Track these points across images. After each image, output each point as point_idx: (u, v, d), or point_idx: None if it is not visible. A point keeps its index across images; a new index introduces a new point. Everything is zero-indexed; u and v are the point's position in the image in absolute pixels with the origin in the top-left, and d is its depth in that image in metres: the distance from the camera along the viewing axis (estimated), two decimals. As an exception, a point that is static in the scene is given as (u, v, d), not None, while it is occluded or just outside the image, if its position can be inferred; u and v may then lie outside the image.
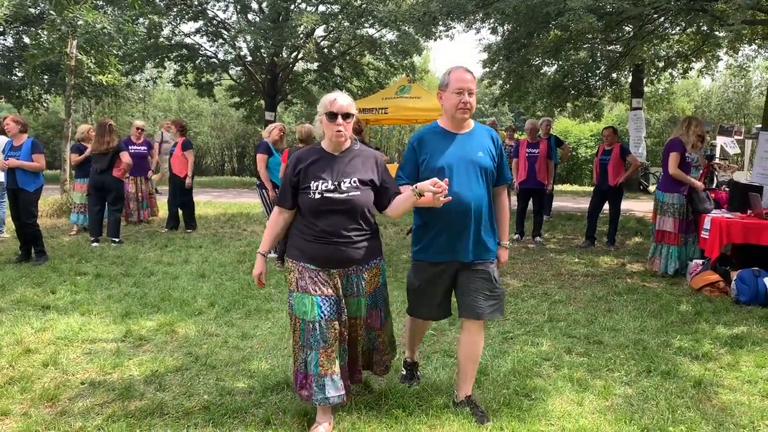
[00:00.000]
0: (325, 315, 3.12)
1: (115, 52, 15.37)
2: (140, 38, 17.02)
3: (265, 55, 19.32)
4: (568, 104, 16.78)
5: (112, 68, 14.55)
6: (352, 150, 3.27)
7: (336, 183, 3.12)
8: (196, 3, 18.27)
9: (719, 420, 3.55)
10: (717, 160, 15.92)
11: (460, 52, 45.05)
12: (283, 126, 8.23)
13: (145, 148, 10.57)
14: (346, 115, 3.15)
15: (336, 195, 3.10)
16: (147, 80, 22.24)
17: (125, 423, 3.34)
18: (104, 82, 15.25)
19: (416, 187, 3.01)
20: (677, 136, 7.38)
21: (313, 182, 3.12)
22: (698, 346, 4.83)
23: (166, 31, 18.71)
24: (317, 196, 3.10)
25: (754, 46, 15.00)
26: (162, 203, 11.85)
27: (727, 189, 9.20)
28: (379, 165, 3.30)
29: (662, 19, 10.82)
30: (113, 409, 3.53)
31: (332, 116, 3.13)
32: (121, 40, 14.28)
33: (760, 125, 11.00)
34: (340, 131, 3.13)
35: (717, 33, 10.45)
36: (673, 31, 12.12)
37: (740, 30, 9.78)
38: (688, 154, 7.28)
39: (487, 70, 14.14)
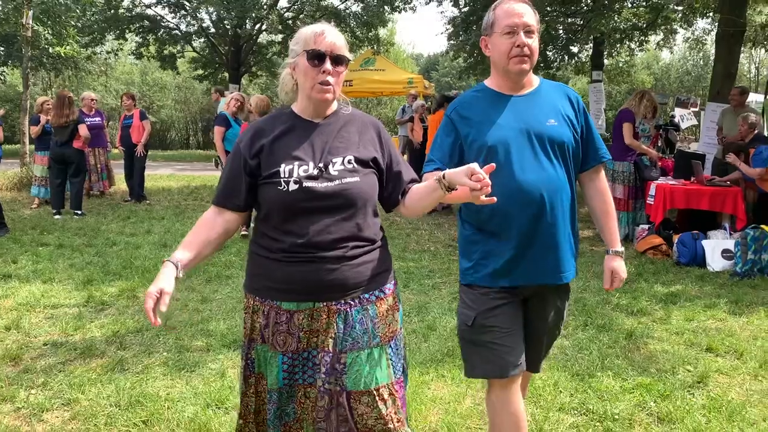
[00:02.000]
0: (292, 380, 2.03)
1: (72, 23, 15.12)
2: (99, 9, 16.72)
3: (228, 27, 19.13)
4: (531, 77, 17.06)
5: (70, 40, 14.33)
6: (340, 115, 2.09)
7: (321, 165, 1.97)
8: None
9: (644, 366, 3.85)
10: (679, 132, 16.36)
11: (427, 24, 44.66)
12: (241, 96, 8.19)
13: (99, 119, 10.52)
14: (338, 60, 1.97)
15: (322, 184, 1.94)
16: (108, 52, 21.86)
17: (86, 378, 3.51)
18: (63, 54, 15.01)
19: (444, 176, 1.91)
20: (627, 107, 7.66)
21: (283, 165, 1.94)
22: (635, 303, 5.14)
23: (126, 2, 18.40)
24: (293, 186, 1.92)
25: (708, 20, 15.41)
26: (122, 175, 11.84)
27: (673, 157, 9.57)
28: (383, 138, 2.14)
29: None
30: (75, 366, 3.69)
31: (317, 58, 1.93)
32: (78, 10, 14.05)
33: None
34: (327, 84, 1.95)
35: (666, 6, 10.75)
36: (627, 4, 12.40)
37: (680, 2, 10.07)
38: (639, 124, 7.57)
39: (452, 42, 14.30)
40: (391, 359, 2.04)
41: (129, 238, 7.43)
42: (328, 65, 1.93)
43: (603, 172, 2.45)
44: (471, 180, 1.80)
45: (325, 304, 1.97)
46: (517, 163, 2.21)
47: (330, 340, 1.98)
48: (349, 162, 2.00)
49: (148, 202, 10.17)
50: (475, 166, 1.83)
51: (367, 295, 2.03)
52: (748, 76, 29.10)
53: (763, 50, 19.66)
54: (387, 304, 2.07)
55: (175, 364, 3.73)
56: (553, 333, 2.48)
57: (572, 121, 2.31)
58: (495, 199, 1.86)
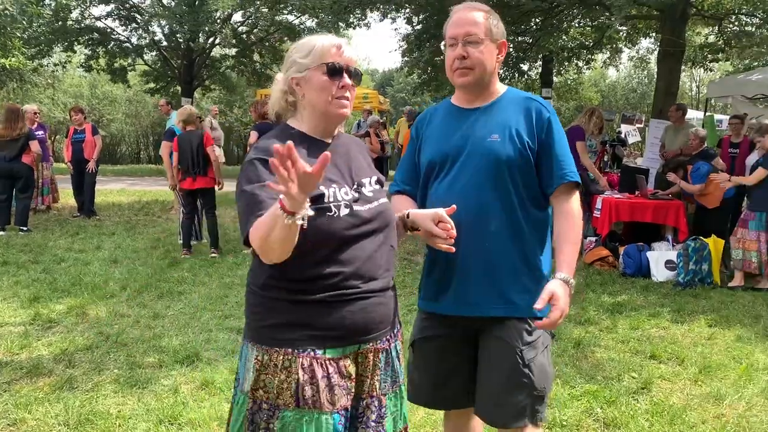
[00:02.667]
0: None
1: (18, 34, 14.75)
2: (46, 21, 16.37)
3: (181, 40, 18.99)
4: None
5: (16, 51, 13.98)
6: (341, 135, 1.92)
7: (356, 187, 1.80)
8: (106, -15, 17.73)
9: (591, 374, 3.98)
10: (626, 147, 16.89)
11: (382, 40, 45.01)
12: (186, 108, 8.01)
13: (42, 132, 10.24)
14: (356, 74, 1.81)
15: (364, 206, 1.77)
16: (55, 65, 21.37)
17: (33, 397, 3.43)
18: (8, 66, 14.61)
19: (408, 215, 1.94)
20: (578, 125, 7.87)
21: (324, 189, 1.68)
22: (583, 312, 5.30)
23: (74, 14, 18.09)
24: (344, 211, 1.70)
25: (651, 39, 16.04)
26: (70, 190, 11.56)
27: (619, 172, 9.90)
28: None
29: (563, 12, 11.45)
30: (21, 386, 3.60)
31: (337, 72, 1.76)
32: (25, 22, 13.73)
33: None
34: (347, 99, 1.79)
35: (610, 26, 11.18)
36: (575, 24, 12.82)
37: (624, 23, 10.49)
38: (587, 140, 7.81)
39: (406, 59, 14.48)
40: (404, 396, 1.92)
41: (78, 254, 7.26)
42: (347, 79, 1.77)
43: (574, 194, 2.09)
44: (438, 227, 1.85)
45: (371, 344, 1.77)
46: (447, 181, 2.09)
47: (375, 382, 1.79)
48: (376, 182, 1.87)
49: (97, 217, 9.95)
50: (442, 213, 1.85)
51: (398, 327, 1.89)
52: (690, 93, 30.26)
53: (702, 70, 20.56)
54: (401, 340, 1.94)
55: (127, 381, 3.67)
56: (512, 383, 2.02)
57: (522, 137, 2.04)
58: (454, 249, 1.86)
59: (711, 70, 21.05)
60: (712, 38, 15.24)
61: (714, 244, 6.45)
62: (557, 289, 1.91)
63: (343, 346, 1.72)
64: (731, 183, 6.80)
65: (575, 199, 2.09)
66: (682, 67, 12.65)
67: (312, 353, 1.67)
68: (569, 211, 2.06)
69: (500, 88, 2.17)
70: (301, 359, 1.66)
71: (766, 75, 9.27)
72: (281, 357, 1.67)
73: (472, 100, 2.15)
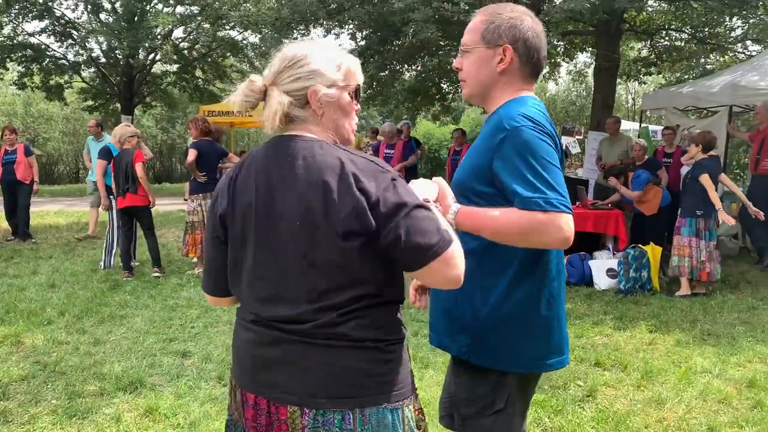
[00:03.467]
0: None
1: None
2: (-24, 37, 15.77)
3: (119, 57, 18.57)
4: (430, 108, 17.60)
5: (-57, 69, 13.41)
6: None
7: None
8: (40, 1, 17.19)
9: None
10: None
11: (325, 56, 44.51)
12: (125, 127, 7.79)
13: None
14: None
15: None
16: (-13, 82, 20.62)
17: (-36, 434, 3.26)
18: (-65, 84, 14.00)
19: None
20: None
21: None
22: (530, 322, 5.38)
23: (6, 30, 17.45)
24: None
25: (588, 54, 16.57)
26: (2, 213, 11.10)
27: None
28: None
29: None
30: (-50, 422, 3.42)
31: (357, 96, 1.61)
32: (-47, 38, 13.19)
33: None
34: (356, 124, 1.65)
35: (548, 42, 11.50)
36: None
37: (561, 38, 10.83)
38: None
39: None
40: None
41: (12, 279, 6.96)
42: (357, 104, 1.62)
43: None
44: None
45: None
46: None
47: None
48: None
49: (33, 240, 9.56)
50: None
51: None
52: (626, 106, 31.36)
53: (636, 83, 21.36)
54: None
55: (66, 411, 3.53)
56: (458, 409, 1.97)
57: (484, 158, 1.79)
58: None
59: (645, 83, 21.87)
60: (644, 53, 15.89)
61: (652, 251, 6.67)
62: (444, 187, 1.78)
63: None
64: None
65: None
66: (618, 80, 13.12)
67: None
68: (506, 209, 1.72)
69: (501, 100, 1.86)
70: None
71: (696, 88, 9.68)
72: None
73: (487, 112, 1.95)
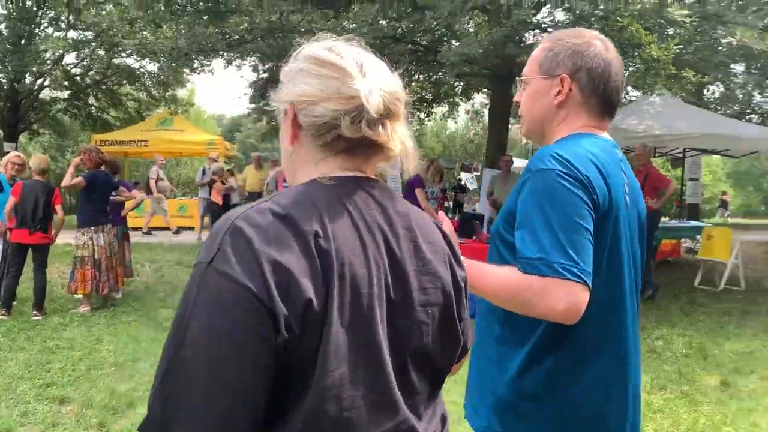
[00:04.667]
0: None
1: None
2: None
3: (3, 81, 17.50)
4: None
5: None
6: None
7: None
8: None
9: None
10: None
11: (231, 84, 44.66)
12: (20, 157, 7.34)
13: None
14: None
15: None
16: None
17: None
18: None
19: None
20: (417, 174, 8.50)
21: None
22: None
23: None
24: None
25: (483, 95, 17.33)
26: None
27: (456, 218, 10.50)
28: None
29: (406, 69, 12.07)
30: None
31: None
32: None
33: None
34: None
35: (446, 83, 11.96)
36: (415, 79, 13.55)
37: (457, 80, 11.30)
38: (428, 188, 8.54)
39: (254, 105, 14.43)
40: None
41: None
42: None
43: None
44: None
45: None
46: None
47: None
48: None
49: None
50: None
51: None
52: (521, 144, 32.91)
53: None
54: None
55: None
56: None
57: (512, 202, 1.54)
58: None
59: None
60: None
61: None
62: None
63: None
64: None
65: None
66: (512, 119, 13.77)
67: None
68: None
69: (558, 137, 1.60)
70: None
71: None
72: None
73: None
